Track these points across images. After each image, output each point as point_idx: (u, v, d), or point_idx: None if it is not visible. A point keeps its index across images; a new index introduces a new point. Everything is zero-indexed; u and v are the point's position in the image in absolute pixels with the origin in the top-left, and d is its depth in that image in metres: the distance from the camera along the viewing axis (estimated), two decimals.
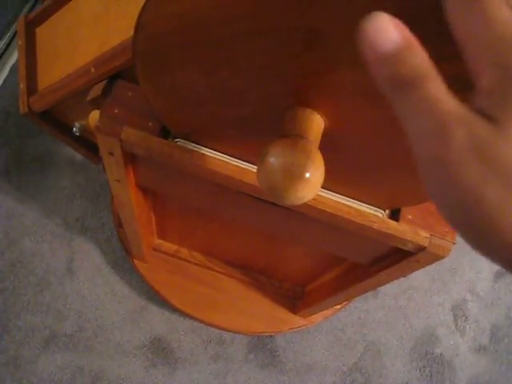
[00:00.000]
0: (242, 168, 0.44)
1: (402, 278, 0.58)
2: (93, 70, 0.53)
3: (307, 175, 0.31)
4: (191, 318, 0.91)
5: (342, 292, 0.72)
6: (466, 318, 1.10)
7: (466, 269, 1.15)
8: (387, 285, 0.61)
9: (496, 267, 1.16)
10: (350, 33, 0.27)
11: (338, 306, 0.94)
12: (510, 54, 0.15)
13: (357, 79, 0.30)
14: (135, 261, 0.90)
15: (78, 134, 0.67)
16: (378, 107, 0.31)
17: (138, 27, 0.32)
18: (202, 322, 0.91)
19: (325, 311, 0.93)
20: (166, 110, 0.40)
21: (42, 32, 0.72)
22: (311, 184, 0.32)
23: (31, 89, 0.69)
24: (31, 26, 0.72)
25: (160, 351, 0.95)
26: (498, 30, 0.15)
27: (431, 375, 1.03)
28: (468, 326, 1.09)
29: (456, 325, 1.09)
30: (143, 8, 0.31)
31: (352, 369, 1.00)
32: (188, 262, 0.90)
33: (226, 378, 0.95)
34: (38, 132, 1.07)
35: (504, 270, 0.17)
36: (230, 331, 0.94)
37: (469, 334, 1.08)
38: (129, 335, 0.95)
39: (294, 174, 0.31)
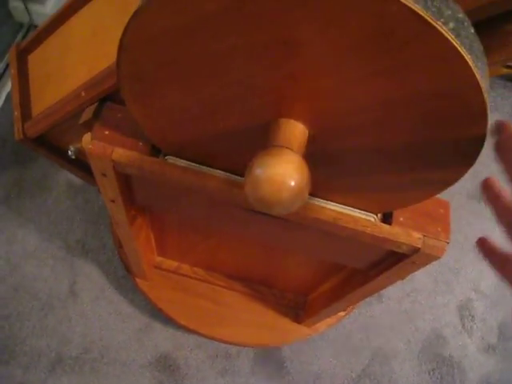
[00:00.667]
0: (232, 181, 0.44)
1: (405, 281, 0.57)
2: (83, 93, 0.54)
3: (293, 184, 0.32)
4: (196, 333, 0.91)
5: (344, 298, 0.72)
6: (473, 317, 1.10)
7: (468, 268, 1.15)
8: (390, 289, 0.61)
9: None
10: (327, 43, 0.28)
11: (343, 314, 0.94)
12: None
13: (336, 88, 0.31)
14: (137, 279, 0.91)
15: (73, 157, 0.68)
16: (360, 112, 0.32)
17: (120, 50, 0.33)
18: (206, 337, 0.91)
19: (329, 319, 0.93)
20: (155, 129, 0.41)
21: (33, 59, 0.73)
22: (298, 193, 0.32)
23: (25, 115, 0.70)
24: (23, 53, 0.73)
25: (167, 368, 0.95)
26: None
27: (441, 377, 1.02)
28: (475, 326, 1.08)
29: (463, 325, 1.08)
30: (125, 30, 0.32)
31: (360, 375, 1.00)
32: (190, 277, 0.91)
33: None
34: (36, 157, 1.09)
35: None
36: (235, 345, 0.93)
37: (476, 334, 1.08)
38: (135, 354, 0.95)
39: (280, 184, 0.31)
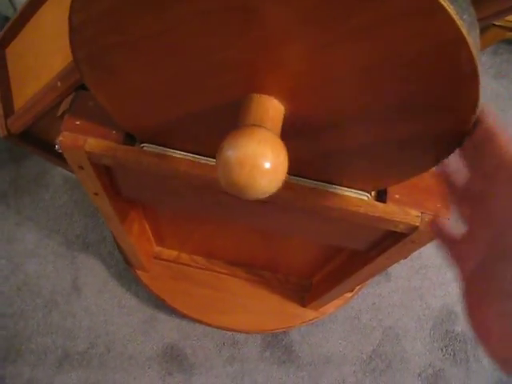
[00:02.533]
0: (211, 166, 0.42)
1: (413, 258, 0.54)
2: (59, 84, 0.52)
3: (267, 165, 0.29)
4: (200, 323, 0.89)
5: (348, 279, 0.69)
6: None
7: None
8: (398, 266, 0.57)
9: None
10: (288, 4, 0.25)
11: (349, 295, 0.91)
12: None
13: (306, 55, 0.28)
14: (137, 271, 0.89)
15: (60, 150, 0.66)
16: (337, 82, 0.29)
17: (71, 32, 0.30)
18: (211, 325, 0.89)
19: (336, 301, 0.90)
20: (124, 115, 0.39)
21: (11, 52, 0.71)
22: (272, 174, 0.29)
23: (8, 111, 0.68)
24: (0, 48, 0.71)
25: (174, 359, 0.94)
26: None
27: (454, 354, 1.00)
28: None
29: None
30: (71, 11, 0.29)
31: (371, 356, 0.98)
32: (190, 266, 0.89)
33: (243, 379, 0.93)
34: (31, 154, 1.07)
35: None
36: (240, 332, 0.92)
37: None
38: (141, 346, 0.95)
39: (252, 166, 0.29)
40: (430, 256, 1.06)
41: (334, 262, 0.76)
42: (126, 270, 0.99)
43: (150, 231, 0.81)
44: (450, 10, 0.23)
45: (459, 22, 0.24)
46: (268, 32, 0.26)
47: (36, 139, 0.69)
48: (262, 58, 0.28)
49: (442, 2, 0.23)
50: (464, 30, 0.24)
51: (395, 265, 0.58)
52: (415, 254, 0.52)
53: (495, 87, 1.33)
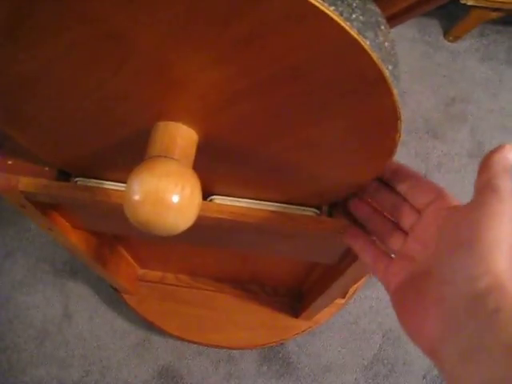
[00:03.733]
0: None
1: None
2: None
3: (171, 200, 0.27)
4: (192, 343, 0.88)
5: (331, 287, 0.67)
6: None
7: None
8: None
9: None
10: (155, 30, 0.22)
11: (342, 301, 0.88)
12: None
13: (197, 78, 0.25)
14: (124, 296, 0.88)
15: None
16: (231, 105, 0.27)
17: None
18: (202, 345, 0.87)
19: (329, 308, 0.88)
20: (43, 150, 0.37)
21: None
22: (182, 208, 0.27)
23: None
24: None
25: (170, 380, 0.92)
26: None
27: None
28: None
29: None
30: None
31: (373, 362, 0.95)
32: (176, 286, 0.87)
33: None
34: None
35: None
36: (233, 349, 0.90)
37: None
38: (136, 370, 0.93)
39: (154, 202, 0.26)
40: None
41: (318, 271, 0.73)
42: (115, 294, 0.98)
43: (129, 255, 0.80)
44: (329, 11, 0.21)
45: (344, 24, 0.21)
46: (145, 59, 0.24)
47: None
48: (152, 85, 0.26)
49: (316, 4, 0.20)
50: (353, 32, 0.22)
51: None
52: None
53: (484, 70, 1.29)
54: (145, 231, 0.28)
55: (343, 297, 0.87)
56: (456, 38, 1.31)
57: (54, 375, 0.92)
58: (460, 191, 1.15)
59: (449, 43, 1.31)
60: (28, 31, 0.23)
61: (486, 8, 1.22)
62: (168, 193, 0.27)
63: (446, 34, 1.32)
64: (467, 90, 1.25)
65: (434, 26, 1.33)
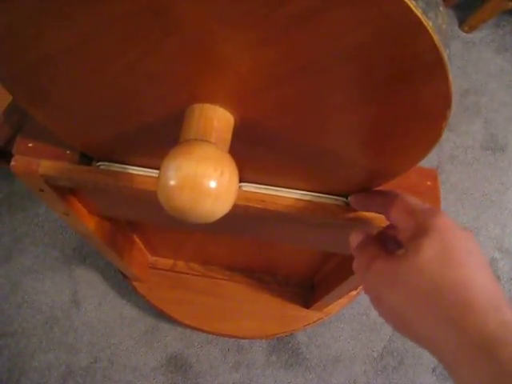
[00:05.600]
0: None
1: None
2: None
3: (209, 185, 0.25)
4: (201, 331, 0.87)
5: (348, 280, 0.66)
6: (499, 277, 1.02)
7: (489, 225, 1.06)
8: None
9: None
10: (204, 6, 0.21)
11: (354, 292, 0.88)
12: None
13: (241, 58, 0.24)
14: (134, 283, 0.87)
15: None
16: (277, 87, 0.26)
17: None
18: (212, 333, 0.87)
19: (341, 300, 0.87)
20: (68, 134, 0.36)
21: None
22: (220, 195, 0.26)
23: None
24: None
25: (179, 368, 0.92)
26: None
27: None
28: (502, 287, 1.00)
29: None
30: None
31: (382, 353, 0.94)
32: (187, 274, 0.86)
33: None
34: None
35: None
36: (243, 338, 0.89)
37: None
38: (145, 357, 0.93)
39: (192, 188, 0.25)
40: None
41: (333, 262, 0.72)
42: (124, 280, 0.97)
43: (141, 242, 0.79)
44: None
45: (410, 3, 0.20)
46: (189, 36, 0.23)
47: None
48: (191, 64, 0.25)
49: None
50: (418, 11, 0.21)
51: None
52: None
53: (499, 62, 1.26)
54: (178, 218, 0.27)
55: (356, 288, 0.86)
56: (471, 29, 1.29)
57: (62, 361, 0.92)
58: (472, 184, 1.14)
59: (464, 33, 1.29)
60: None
61: None
62: (207, 178, 0.25)
63: (461, 24, 1.29)
64: (481, 81, 1.23)
65: (449, 16, 1.30)
